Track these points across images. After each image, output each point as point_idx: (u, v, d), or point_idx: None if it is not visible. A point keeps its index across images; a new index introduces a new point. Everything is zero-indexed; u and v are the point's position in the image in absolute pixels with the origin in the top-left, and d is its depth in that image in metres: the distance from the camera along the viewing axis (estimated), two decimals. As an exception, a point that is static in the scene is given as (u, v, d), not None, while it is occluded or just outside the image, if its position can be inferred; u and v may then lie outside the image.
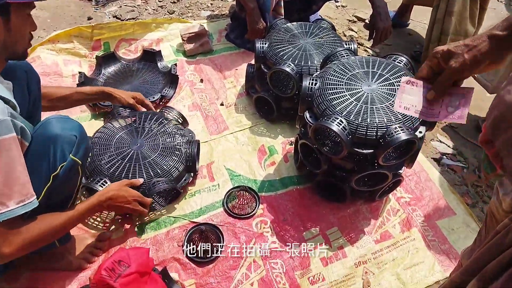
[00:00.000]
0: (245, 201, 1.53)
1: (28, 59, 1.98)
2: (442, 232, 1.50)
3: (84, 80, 1.89)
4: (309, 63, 1.66)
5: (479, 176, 1.75)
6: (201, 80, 2.06)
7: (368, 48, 2.38)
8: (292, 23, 1.85)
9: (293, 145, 1.73)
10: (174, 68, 2.00)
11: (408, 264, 1.40)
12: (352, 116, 1.24)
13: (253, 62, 2.02)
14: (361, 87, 1.31)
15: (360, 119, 1.23)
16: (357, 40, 2.44)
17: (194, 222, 1.47)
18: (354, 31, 2.53)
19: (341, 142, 1.25)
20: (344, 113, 1.25)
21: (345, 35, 2.48)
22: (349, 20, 2.65)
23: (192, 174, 1.55)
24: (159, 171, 1.44)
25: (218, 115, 1.89)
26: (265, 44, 1.76)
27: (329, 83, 1.33)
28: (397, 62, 1.41)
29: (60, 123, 1.09)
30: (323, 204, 1.56)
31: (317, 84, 1.35)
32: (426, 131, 1.29)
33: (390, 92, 1.29)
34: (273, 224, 1.50)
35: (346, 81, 1.34)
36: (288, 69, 1.63)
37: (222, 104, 1.94)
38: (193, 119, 1.88)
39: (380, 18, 1.85)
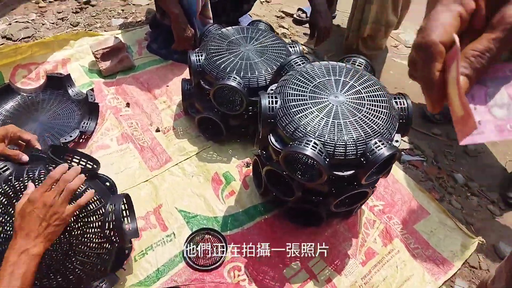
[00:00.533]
0: (210, 247, 1.29)
1: None
2: (422, 237, 1.41)
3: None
4: (256, 73, 1.45)
5: (438, 167, 1.71)
6: (127, 104, 1.74)
7: (303, 44, 2.24)
8: (227, 28, 1.61)
9: (251, 167, 1.52)
10: (91, 95, 1.64)
11: (399, 281, 1.29)
12: (326, 135, 1.06)
13: (186, 76, 1.75)
14: (328, 99, 1.14)
15: (335, 138, 1.06)
16: (290, 38, 2.29)
17: (153, 288, 1.20)
18: (285, 28, 2.37)
19: (318, 167, 1.07)
20: (317, 133, 1.07)
21: (277, 33, 2.31)
22: (277, 17, 2.48)
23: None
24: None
25: (155, 145, 1.60)
26: (201, 56, 1.51)
27: (292, 99, 1.14)
28: (357, 65, 1.27)
29: None
30: (297, 232, 1.38)
31: (278, 102, 1.15)
32: (401, 137, 1.17)
33: (359, 101, 1.13)
34: (248, 268, 1.28)
35: (310, 94, 1.16)
36: (234, 84, 1.40)
37: (158, 130, 1.65)
38: (126, 154, 1.56)
39: (320, 16, 1.70)
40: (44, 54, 1.83)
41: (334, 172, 1.08)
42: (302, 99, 1.14)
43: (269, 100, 1.14)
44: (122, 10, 2.31)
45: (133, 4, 2.37)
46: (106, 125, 1.65)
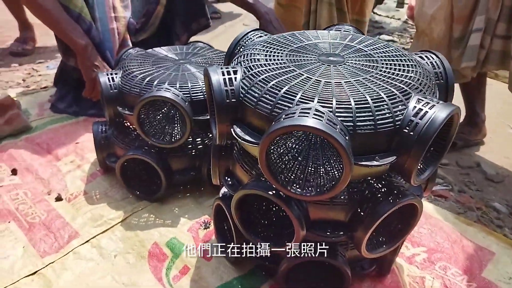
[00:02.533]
0: None
1: None
2: (500, 288, 0.88)
3: None
4: (200, 83, 1.00)
5: (470, 196, 1.26)
6: (13, 171, 1.16)
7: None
8: (153, 49, 1.20)
9: (212, 225, 0.96)
10: None
11: None
12: (334, 99, 0.59)
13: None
14: (318, 59, 0.71)
15: (351, 100, 0.59)
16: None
17: None
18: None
19: (336, 153, 0.58)
20: (316, 98, 0.60)
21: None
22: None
23: None
24: None
25: (53, 218, 0.99)
26: (116, 75, 1.04)
27: (262, 64, 0.68)
28: (344, 31, 0.88)
29: None
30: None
31: (239, 73, 0.68)
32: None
33: (369, 58, 0.71)
34: None
35: (289, 57, 0.72)
36: (168, 95, 0.93)
37: (59, 199, 1.06)
38: (3, 238, 0.94)
39: (273, 26, 1.38)
40: None
41: (362, 163, 0.58)
42: (278, 62, 0.70)
43: (223, 72, 0.67)
44: (24, 80, 1.85)
45: (40, 75, 1.92)
46: (-27, 203, 1.04)
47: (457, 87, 1.33)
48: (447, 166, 1.41)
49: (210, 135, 1.08)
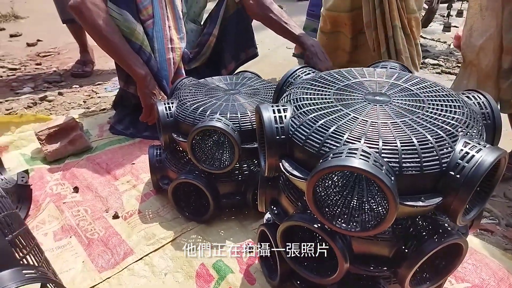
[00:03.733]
0: None
1: None
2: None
3: None
4: (249, 113, 1.06)
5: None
6: (75, 189, 1.27)
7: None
8: (205, 79, 1.29)
9: (256, 250, 1.00)
10: (22, 176, 1.18)
11: None
12: (381, 140, 0.62)
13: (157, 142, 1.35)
14: (365, 98, 0.74)
15: (398, 142, 0.62)
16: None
17: None
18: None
19: (382, 194, 0.60)
20: (363, 138, 0.63)
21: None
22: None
23: None
24: None
25: (111, 235, 1.08)
26: (172, 104, 1.13)
27: (310, 103, 0.73)
28: (390, 68, 0.91)
29: None
30: None
31: (289, 111, 0.73)
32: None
33: (414, 98, 0.74)
34: None
35: (336, 96, 0.76)
36: (219, 125, 0.99)
37: (116, 217, 1.15)
38: (64, 253, 1.03)
39: (319, 58, 1.43)
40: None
41: (408, 203, 0.61)
42: (325, 101, 0.74)
43: (274, 110, 0.73)
44: (84, 101, 2.02)
45: (99, 97, 2.09)
46: (42, 217, 1.15)
47: (505, 117, 1.30)
48: (494, 198, 1.37)
49: (256, 162, 1.14)
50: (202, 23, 1.73)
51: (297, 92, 0.78)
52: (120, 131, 1.60)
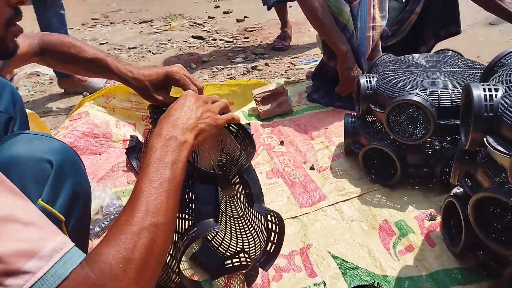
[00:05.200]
0: (377, 313, 0.86)
1: (74, 114, 1.66)
2: None
3: (135, 143, 1.49)
4: (449, 91, 1.11)
5: None
6: (281, 142, 1.57)
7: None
8: (405, 56, 1.37)
9: (440, 219, 1.08)
10: (248, 127, 1.55)
11: None
12: None
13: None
14: None
15: None
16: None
17: None
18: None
19: None
20: None
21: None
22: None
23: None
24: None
25: (308, 181, 1.33)
26: (373, 78, 1.27)
27: (527, 84, 0.76)
28: None
29: (26, 141, 0.61)
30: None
31: (500, 91, 0.78)
32: None
33: None
34: None
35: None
36: (418, 99, 1.09)
37: (312, 168, 1.40)
38: (274, 188, 1.33)
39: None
40: (212, 95, 1.89)
41: None
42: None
43: (485, 88, 0.79)
44: (285, 72, 2.35)
45: (297, 69, 2.39)
46: (257, 159, 1.49)
47: None
48: None
49: (449, 139, 1.18)
50: (404, 0, 1.77)
51: (510, 72, 0.81)
52: (316, 100, 1.84)
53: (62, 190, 0.62)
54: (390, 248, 1.05)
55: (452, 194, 1.02)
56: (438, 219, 1.10)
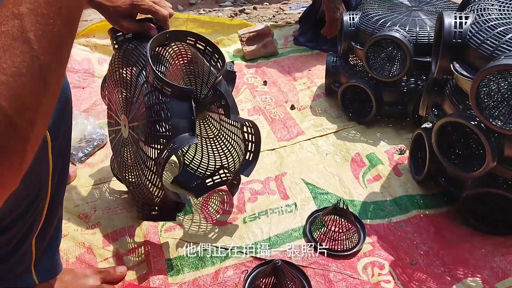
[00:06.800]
0: (341, 230, 0.92)
1: None
2: None
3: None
4: (428, 28, 1.13)
5: None
6: (265, 82, 1.59)
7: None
8: (389, -5, 1.37)
9: (408, 152, 1.14)
10: (230, 65, 1.55)
11: None
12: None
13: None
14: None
15: None
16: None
17: (259, 258, 0.88)
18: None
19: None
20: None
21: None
22: None
23: None
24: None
25: (288, 118, 1.37)
26: (356, 15, 1.28)
27: (494, 12, 0.78)
28: None
29: None
30: (477, 239, 0.91)
31: (470, 19, 0.80)
32: None
33: None
34: (395, 269, 0.86)
35: (525, 9, 0.78)
36: (397, 35, 1.11)
37: (293, 108, 1.43)
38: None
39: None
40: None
41: None
42: (511, 13, 0.78)
43: (456, 16, 0.81)
44: (274, 16, 2.32)
45: (285, 13, 2.36)
46: (240, 97, 1.51)
47: None
48: None
49: (424, 77, 1.22)
50: None
51: (482, 3, 0.83)
52: (303, 43, 1.83)
53: None
54: (359, 177, 1.12)
55: (421, 127, 1.07)
56: (407, 153, 1.16)
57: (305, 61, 1.71)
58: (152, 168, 0.85)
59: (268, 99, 1.50)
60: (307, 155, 1.21)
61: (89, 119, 1.26)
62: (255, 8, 2.44)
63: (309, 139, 1.27)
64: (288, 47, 1.85)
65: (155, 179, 0.85)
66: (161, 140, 0.86)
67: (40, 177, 0.65)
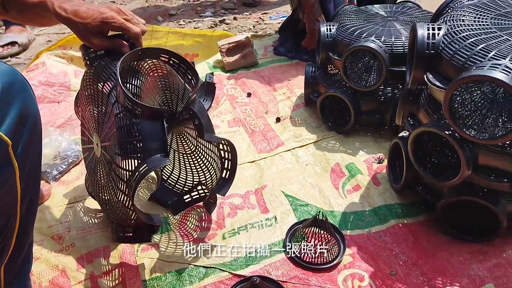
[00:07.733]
0: (321, 243, 0.92)
1: (31, 66, 1.61)
2: None
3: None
4: (403, 38, 1.15)
5: None
6: (248, 94, 1.58)
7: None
8: (366, 6, 1.38)
9: (386, 161, 1.14)
10: (209, 77, 1.54)
11: None
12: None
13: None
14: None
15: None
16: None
17: (239, 275, 0.87)
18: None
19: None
20: (509, 56, 0.69)
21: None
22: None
23: None
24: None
25: (268, 130, 1.36)
26: (333, 26, 1.28)
27: (466, 24, 0.80)
28: None
29: None
30: (454, 247, 0.91)
31: (442, 30, 0.81)
32: None
33: None
34: (375, 280, 0.86)
35: (493, 20, 0.80)
36: (372, 45, 1.12)
37: (278, 120, 1.42)
38: (235, 136, 1.36)
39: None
40: (176, 45, 1.86)
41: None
42: (482, 24, 0.79)
43: (428, 28, 0.82)
44: (253, 26, 2.32)
45: (265, 24, 2.37)
46: (220, 109, 1.50)
47: None
48: None
49: (400, 86, 1.23)
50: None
51: (455, 14, 0.85)
52: (283, 53, 1.84)
53: (8, 113, 0.60)
54: (339, 188, 1.11)
55: (398, 136, 1.07)
56: (385, 162, 1.16)
57: (285, 71, 1.71)
58: (124, 190, 0.83)
59: (248, 110, 1.49)
60: (287, 166, 1.21)
61: (64, 135, 1.23)
62: (235, 19, 2.44)
63: (289, 150, 1.27)
64: (268, 57, 1.85)
65: (127, 201, 0.83)
66: (133, 161, 0.83)
67: (8, 207, 0.62)
